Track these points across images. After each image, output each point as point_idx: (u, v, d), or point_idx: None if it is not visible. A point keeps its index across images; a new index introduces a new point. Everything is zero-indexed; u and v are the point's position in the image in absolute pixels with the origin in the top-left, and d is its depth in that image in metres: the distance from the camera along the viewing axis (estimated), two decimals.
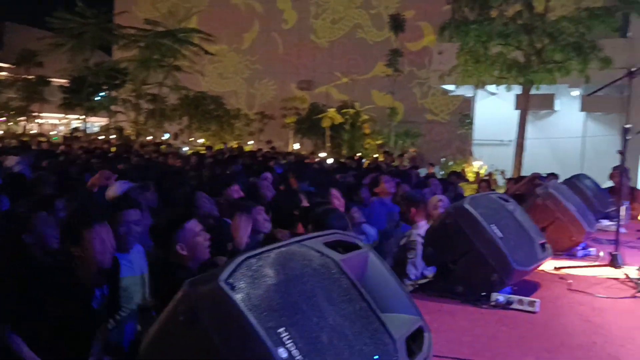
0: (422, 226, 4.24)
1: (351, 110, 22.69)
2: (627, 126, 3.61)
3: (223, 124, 26.88)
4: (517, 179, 8.13)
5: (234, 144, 23.69)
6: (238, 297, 1.28)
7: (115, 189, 4.26)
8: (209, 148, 15.15)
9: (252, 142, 26.55)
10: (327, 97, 26.75)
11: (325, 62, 28.62)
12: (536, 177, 7.09)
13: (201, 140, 26.22)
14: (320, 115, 22.92)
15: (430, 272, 3.86)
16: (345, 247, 1.84)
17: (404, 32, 21.14)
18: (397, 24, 20.50)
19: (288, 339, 1.29)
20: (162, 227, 3.05)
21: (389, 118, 22.26)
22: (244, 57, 31.29)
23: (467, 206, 3.15)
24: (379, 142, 23.17)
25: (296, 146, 26.38)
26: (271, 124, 27.80)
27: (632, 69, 3.67)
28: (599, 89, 4.12)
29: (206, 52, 24.25)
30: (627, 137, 3.70)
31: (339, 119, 22.10)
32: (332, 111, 22.61)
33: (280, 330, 1.29)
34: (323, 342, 1.40)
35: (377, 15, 27.49)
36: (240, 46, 31.18)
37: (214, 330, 1.28)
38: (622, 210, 6.13)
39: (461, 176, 11.14)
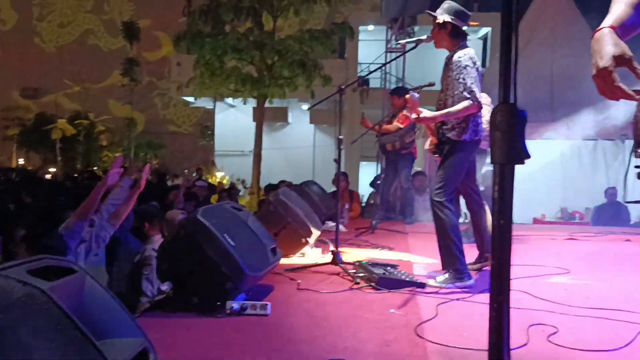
0: (157, 240, 4.13)
1: (85, 121, 21.13)
2: (340, 137, 4.06)
3: None
4: (272, 187, 8.54)
5: None
6: None
7: None
8: None
9: None
10: (56, 106, 24.45)
11: (53, 68, 26.18)
12: (289, 185, 7.53)
13: None
14: (49, 127, 20.82)
15: (167, 287, 3.79)
16: (56, 272, 1.67)
17: (141, 41, 20.52)
18: (131, 32, 19.81)
19: None
20: None
21: (129, 129, 21.35)
22: None
23: (199, 217, 3.17)
24: (117, 154, 22.02)
25: (21, 161, 23.51)
26: None
27: (342, 86, 4.15)
28: (316, 104, 4.56)
29: None
30: (341, 147, 4.16)
31: (71, 131, 20.38)
32: (62, 122, 20.74)
33: None
34: None
35: (110, 21, 26.18)
36: None
37: None
38: (343, 212, 6.90)
39: (211, 187, 11.27)
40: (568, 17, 9.65)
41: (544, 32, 9.75)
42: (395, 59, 6.19)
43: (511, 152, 0.99)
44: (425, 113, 3.64)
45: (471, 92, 3.55)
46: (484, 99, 4.12)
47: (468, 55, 3.64)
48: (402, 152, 6.90)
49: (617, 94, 1.40)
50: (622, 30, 1.41)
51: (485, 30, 20.65)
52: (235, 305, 3.01)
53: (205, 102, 20.05)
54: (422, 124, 3.76)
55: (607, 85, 1.40)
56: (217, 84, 12.29)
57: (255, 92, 12.48)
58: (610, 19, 1.43)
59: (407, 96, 3.68)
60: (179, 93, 15.24)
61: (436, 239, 3.71)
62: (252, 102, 14.42)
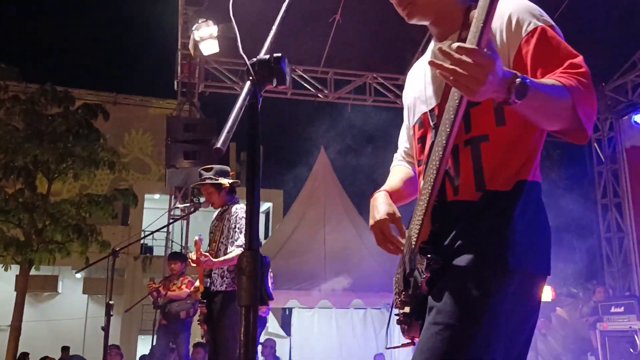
0: None
1: None
2: (110, 302, 3.83)
3: None
4: None
5: None
6: None
7: None
8: None
9: None
10: None
11: None
12: None
13: None
14: None
15: None
16: None
17: None
18: None
19: None
20: None
21: None
22: None
23: None
24: None
25: None
26: None
27: (116, 249, 4.01)
28: (87, 266, 4.31)
29: None
30: (111, 313, 3.90)
31: None
32: None
33: None
34: None
35: None
36: None
37: None
38: None
39: None
40: (336, 197, 10.89)
41: (316, 210, 10.80)
42: (174, 222, 6.25)
43: (256, 294, 1.06)
44: (207, 258, 3.73)
45: None
46: None
47: (244, 208, 3.93)
48: (186, 319, 6.71)
49: (390, 245, 1.66)
50: (394, 196, 1.76)
51: (267, 205, 22.12)
52: None
53: None
54: (199, 268, 3.80)
55: (383, 236, 1.66)
56: None
57: (20, 258, 11.23)
58: (387, 185, 1.82)
59: (196, 238, 3.77)
60: None
61: None
62: (16, 270, 12.88)
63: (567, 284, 12.78)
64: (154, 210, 19.26)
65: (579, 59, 1.41)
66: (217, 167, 4.16)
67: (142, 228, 18.62)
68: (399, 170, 1.90)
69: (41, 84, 12.01)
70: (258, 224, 1.14)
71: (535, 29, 1.46)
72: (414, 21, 1.66)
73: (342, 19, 8.32)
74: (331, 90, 9.57)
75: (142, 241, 19.40)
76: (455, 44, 1.21)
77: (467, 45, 1.21)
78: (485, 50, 1.20)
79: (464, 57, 1.18)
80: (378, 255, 9.51)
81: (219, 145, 1.00)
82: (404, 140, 1.94)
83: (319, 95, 9.57)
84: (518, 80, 1.22)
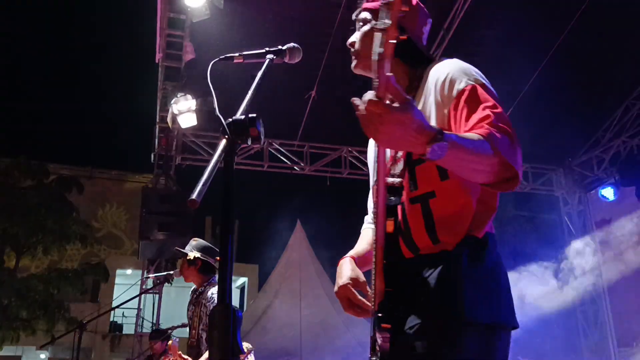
0: None
1: None
2: None
3: None
4: None
5: None
6: None
7: None
8: None
9: None
10: None
11: None
12: None
13: None
14: None
15: None
16: None
17: None
18: None
19: None
20: None
21: None
22: None
23: None
24: None
25: None
26: None
27: (83, 321, 3.88)
28: (48, 343, 4.15)
29: None
30: None
31: None
32: None
33: None
34: None
35: None
36: None
37: None
38: None
39: None
40: (312, 271, 10.77)
41: (292, 284, 10.64)
42: (144, 292, 6.08)
43: (228, 349, 1.05)
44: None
45: None
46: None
47: None
48: None
49: (357, 309, 1.63)
50: (361, 260, 1.75)
51: (242, 280, 21.72)
52: None
53: None
54: None
55: (349, 301, 1.64)
56: None
57: None
58: (353, 251, 1.81)
59: (170, 342, 3.64)
60: None
61: None
62: None
63: None
64: (125, 286, 18.74)
65: (498, 109, 1.42)
66: (200, 241, 3.93)
67: (113, 304, 18.05)
68: (367, 234, 1.90)
69: (15, 157, 11.94)
70: (231, 278, 1.14)
71: (465, 88, 1.50)
72: (357, 71, 1.72)
73: (317, 95, 8.58)
74: (307, 163, 9.69)
75: (111, 318, 18.74)
76: (369, 95, 1.17)
77: (374, 98, 1.16)
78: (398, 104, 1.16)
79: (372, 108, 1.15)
80: (355, 328, 9.33)
81: (194, 196, 1.01)
82: (372, 202, 1.93)
83: (295, 168, 9.68)
84: (438, 137, 1.21)
